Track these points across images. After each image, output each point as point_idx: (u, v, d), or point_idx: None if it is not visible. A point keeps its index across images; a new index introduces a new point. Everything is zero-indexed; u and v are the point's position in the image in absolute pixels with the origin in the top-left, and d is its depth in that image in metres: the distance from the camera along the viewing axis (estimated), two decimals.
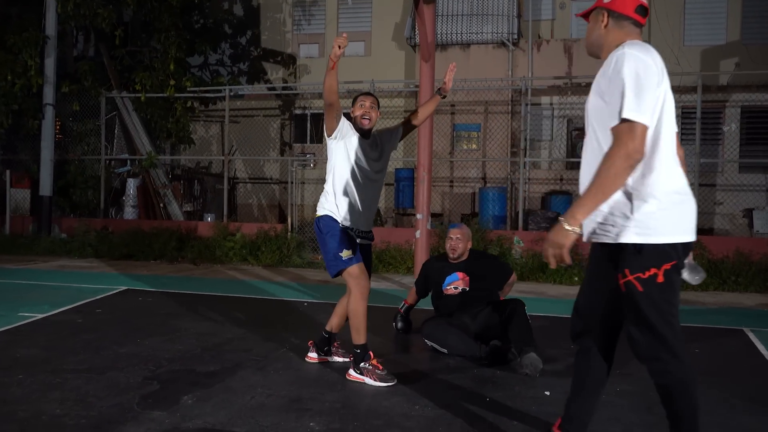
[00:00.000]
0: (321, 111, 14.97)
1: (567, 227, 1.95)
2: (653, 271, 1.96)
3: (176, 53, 10.48)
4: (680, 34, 13.45)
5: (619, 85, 1.95)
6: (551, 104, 13.71)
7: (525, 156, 9.55)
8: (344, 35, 3.03)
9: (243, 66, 15.59)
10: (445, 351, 3.90)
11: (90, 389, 3.08)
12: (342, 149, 3.36)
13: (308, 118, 15.12)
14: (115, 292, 6.08)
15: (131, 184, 10.79)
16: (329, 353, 3.67)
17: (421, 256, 6.67)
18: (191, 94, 10.98)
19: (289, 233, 9.51)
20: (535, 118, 13.36)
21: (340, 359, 3.66)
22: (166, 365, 3.53)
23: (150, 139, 10.97)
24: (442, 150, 12.61)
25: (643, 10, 2.17)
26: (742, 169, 12.02)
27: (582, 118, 12.96)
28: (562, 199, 11.76)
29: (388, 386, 3.24)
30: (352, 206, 3.34)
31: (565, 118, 13.75)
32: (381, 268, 8.35)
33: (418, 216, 6.65)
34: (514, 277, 4.40)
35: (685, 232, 2.02)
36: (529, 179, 11.84)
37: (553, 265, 2.02)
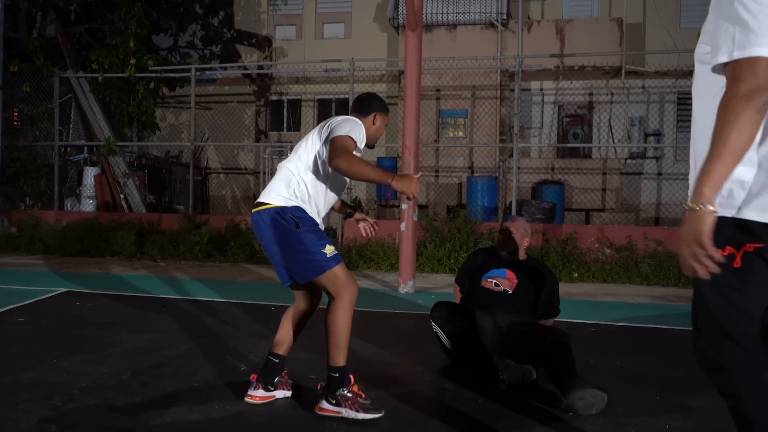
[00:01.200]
0: (298, 97, 14.16)
1: (698, 207, 1.45)
2: (730, 250, 1.49)
3: (137, 29, 9.53)
4: (677, 16, 12.81)
5: (731, 14, 1.48)
6: (541, 89, 13.01)
7: (518, 140, 8.77)
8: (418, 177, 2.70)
9: (215, 49, 14.66)
10: (448, 346, 3.20)
11: None
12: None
13: (285, 104, 14.26)
14: (50, 295, 5.22)
15: (89, 173, 9.86)
16: (276, 386, 2.78)
17: (406, 252, 5.90)
18: (154, 74, 10.03)
19: None
20: (525, 104, 12.64)
21: (284, 393, 2.79)
22: (78, 398, 2.71)
23: (109, 123, 10.03)
24: (427, 137, 11.84)
25: None
26: None
27: (573, 104, 12.23)
28: (554, 189, 11.05)
29: (372, 418, 2.51)
30: (321, 203, 2.71)
31: (556, 104, 13.06)
32: (362, 264, 7.58)
33: (404, 206, 5.87)
34: (552, 320, 3.59)
35: (754, 208, 1.51)
36: (518, 168, 11.13)
37: (695, 271, 1.46)
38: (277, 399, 2.75)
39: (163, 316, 4.48)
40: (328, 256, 2.56)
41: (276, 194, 2.62)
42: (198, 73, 9.84)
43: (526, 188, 11.46)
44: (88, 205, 9.84)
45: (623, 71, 11.98)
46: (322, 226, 2.69)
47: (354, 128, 2.62)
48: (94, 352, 3.44)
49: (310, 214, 2.62)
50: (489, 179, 10.32)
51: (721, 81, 1.52)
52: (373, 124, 2.81)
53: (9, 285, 5.70)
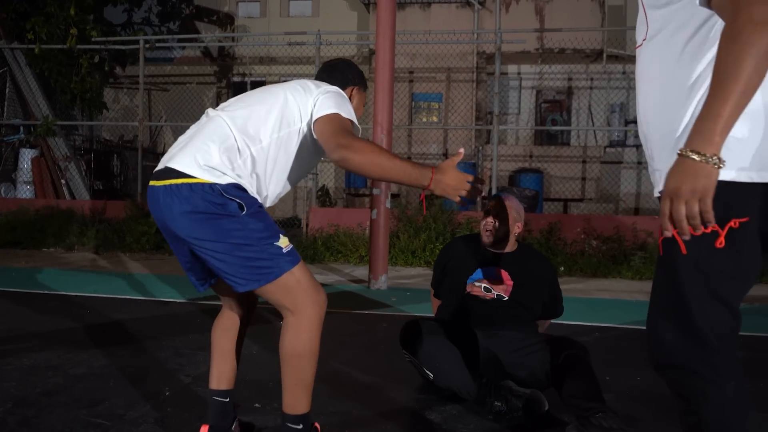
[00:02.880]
0: (263, 78, 13.28)
1: (707, 159, 1.13)
2: (712, 227, 1.19)
3: None
4: None
5: None
6: (519, 73, 12.41)
7: (498, 122, 8.13)
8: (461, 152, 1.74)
9: (173, 26, 13.71)
10: (430, 377, 2.43)
11: None
12: (306, 139, 1.89)
13: (248, 86, 13.38)
14: None
15: (25, 156, 8.90)
16: None
17: (378, 243, 5.20)
18: (99, 46, 9.09)
19: None
20: (502, 89, 12.03)
21: None
22: None
23: (48, 101, 9.07)
24: (399, 121, 11.15)
25: None
26: None
27: (552, 89, 11.66)
28: (532, 177, 10.51)
29: None
30: (270, 192, 1.86)
31: (534, 89, 12.48)
32: (328, 257, 6.86)
33: (375, 191, 5.17)
34: (549, 322, 2.88)
35: (756, 168, 1.25)
36: (494, 156, 10.53)
37: (685, 233, 1.17)
38: None
39: (85, 319, 3.70)
40: (283, 251, 1.72)
41: (205, 164, 1.70)
42: (148, 47, 8.92)
43: (503, 176, 10.85)
44: (25, 191, 8.89)
45: (604, 55, 11.45)
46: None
47: (347, 106, 1.85)
48: None
49: (253, 194, 1.78)
50: (466, 166, 9.68)
51: (699, 18, 1.28)
52: (350, 101, 1.97)
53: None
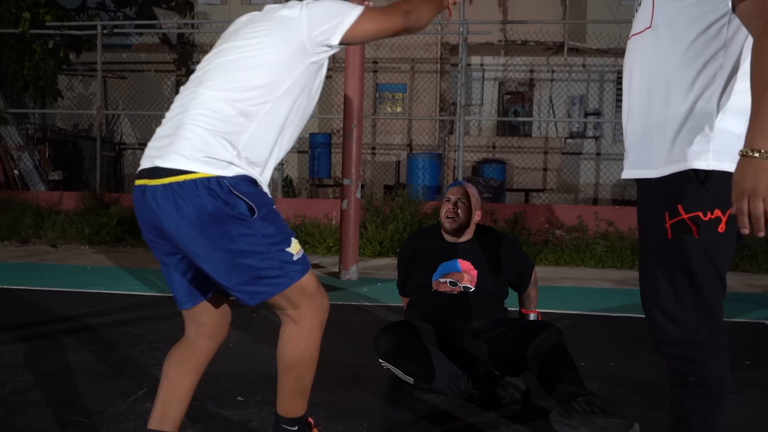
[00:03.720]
0: None
1: (763, 156, 1.20)
2: (717, 213, 1.34)
3: None
4: None
5: None
6: (482, 65, 12.50)
7: (464, 113, 8.18)
8: None
9: (129, 11, 13.30)
10: (411, 381, 2.41)
11: None
12: (313, 76, 1.66)
13: None
14: None
15: None
16: None
17: (348, 233, 5.17)
18: (53, 31, 8.75)
19: None
20: (466, 80, 12.14)
21: None
22: None
23: (0, 88, 8.70)
24: (364, 112, 11.09)
25: None
26: None
27: (514, 81, 11.77)
28: (495, 168, 10.62)
29: None
30: (274, 161, 1.63)
31: (497, 80, 12.60)
32: None
33: (346, 182, 5.14)
34: (535, 274, 2.87)
35: None
36: (459, 146, 10.61)
37: (763, 230, 1.21)
38: None
39: (50, 315, 3.58)
40: (294, 258, 1.56)
41: (204, 154, 1.48)
42: (105, 32, 8.63)
43: (467, 167, 10.94)
44: None
45: (566, 47, 11.64)
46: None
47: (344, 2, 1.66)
48: None
49: (263, 187, 1.58)
50: (431, 156, 9.72)
51: (708, 19, 1.36)
52: None
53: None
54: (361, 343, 3.11)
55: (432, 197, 8.58)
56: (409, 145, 11.68)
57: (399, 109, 11.88)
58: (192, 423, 2.06)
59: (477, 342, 2.52)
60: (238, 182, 1.49)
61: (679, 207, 1.38)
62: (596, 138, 12.18)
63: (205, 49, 13.04)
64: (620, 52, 11.48)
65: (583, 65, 12.26)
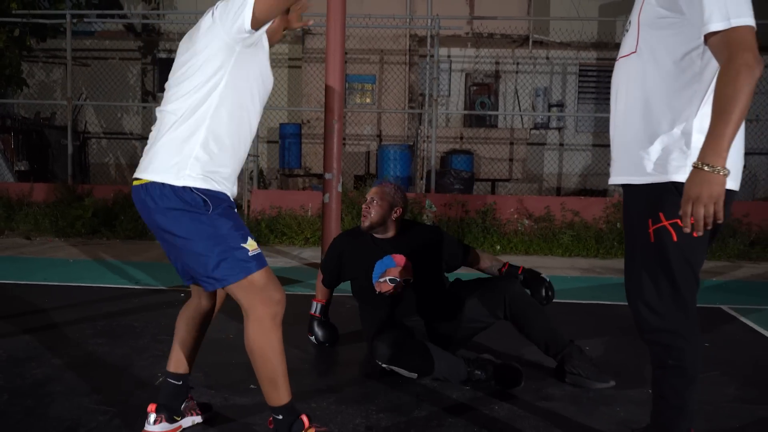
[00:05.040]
0: None
1: (713, 170, 1.48)
2: (693, 220, 1.54)
3: None
4: None
5: None
6: (449, 57, 12.70)
7: (436, 105, 8.39)
8: None
9: None
10: (415, 376, 2.58)
11: None
12: (252, 59, 1.86)
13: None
14: None
15: None
16: (182, 413, 2.09)
17: (330, 226, 5.33)
18: (19, 19, 8.58)
19: None
20: (433, 71, 12.34)
21: (192, 420, 2.13)
22: None
23: None
24: None
25: None
26: None
27: (480, 73, 12.02)
28: (463, 158, 10.87)
29: None
30: (233, 160, 1.89)
31: (464, 72, 12.84)
32: (273, 239, 6.92)
33: (327, 176, 5.28)
34: (475, 253, 3.03)
35: (734, 180, 1.62)
36: (427, 137, 10.83)
37: (701, 231, 1.50)
38: (184, 429, 2.09)
39: (45, 310, 3.66)
40: (251, 254, 1.80)
41: (168, 162, 1.79)
42: (75, 22, 8.51)
43: (436, 158, 11.19)
44: None
45: (530, 41, 11.94)
46: (233, 193, 1.92)
47: None
48: None
49: (222, 188, 1.84)
50: (402, 148, 9.91)
51: (686, 47, 1.59)
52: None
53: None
54: (354, 332, 3.30)
55: (405, 188, 8.78)
56: (379, 136, 11.83)
57: (368, 100, 12.00)
58: (215, 414, 2.22)
59: (443, 327, 2.76)
60: (195, 182, 1.78)
61: (661, 215, 1.62)
62: (559, 129, 12.56)
63: (171, 37, 12.88)
64: (581, 46, 11.86)
65: (547, 57, 12.58)
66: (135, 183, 1.85)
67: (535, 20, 11.71)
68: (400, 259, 2.82)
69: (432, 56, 8.79)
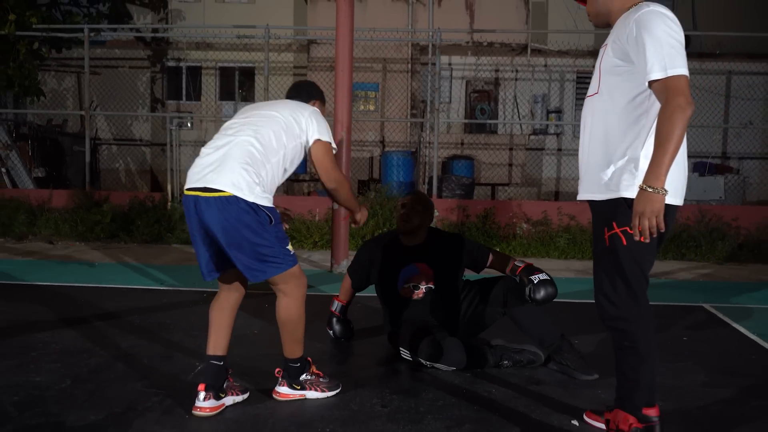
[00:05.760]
0: (198, 64, 13.25)
1: (655, 191, 1.86)
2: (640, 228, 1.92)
3: None
4: None
5: (654, 42, 1.92)
6: (450, 64, 13.07)
7: (437, 115, 8.75)
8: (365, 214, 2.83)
9: (102, 7, 13.38)
10: (453, 368, 2.91)
11: None
12: (293, 150, 2.55)
13: (183, 71, 13.34)
14: None
15: None
16: (225, 392, 2.49)
17: (339, 231, 5.69)
18: (38, 33, 8.96)
19: (169, 203, 8.09)
20: (435, 79, 12.70)
21: (233, 399, 2.51)
22: (15, 416, 2.31)
23: None
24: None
25: None
26: None
27: (481, 80, 12.38)
28: (464, 163, 11.23)
29: (336, 395, 2.60)
30: (282, 178, 2.56)
31: (464, 79, 13.21)
32: None
33: None
34: (497, 256, 3.32)
35: (675, 196, 2.02)
36: (429, 143, 11.17)
37: (647, 238, 1.89)
38: (227, 407, 2.45)
39: (84, 308, 4.01)
40: (291, 254, 2.43)
41: (246, 183, 2.29)
42: (92, 35, 8.89)
43: (437, 163, 11.54)
44: None
45: (529, 49, 12.31)
46: None
47: (329, 128, 2.61)
48: (14, 356, 2.98)
49: (273, 205, 2.41)
50: (405, 154, 10.27)
51: (636, 90, 1.99)
52: None
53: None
54: (366, 329, 3.65)
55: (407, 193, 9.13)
56: (382, 142, 12.19)
57: (372, 107, 12.37)
58: (250, 396, 2.58)
59: (463, 323, 3.15)
60: (261, 200, 2.32)
61: (614, 224, 2.01)
62: (557, 135, 12.92)
63: (179, 46, 13.26)
64: (579, 54, 12.22)
65: (545, 65, 12.95)
66: (217, 195, 2.30)
67: (534, 29, 12.08)
68: (423, 267, 3.15)
69: (434, 64, 9.16)
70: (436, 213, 7.89)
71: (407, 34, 11.16)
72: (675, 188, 2.01)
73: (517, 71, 12.97)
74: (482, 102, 12.96)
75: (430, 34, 9.24)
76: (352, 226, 2.89)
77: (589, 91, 2.17)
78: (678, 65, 1.90)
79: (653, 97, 1.96)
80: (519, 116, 12.75)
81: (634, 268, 2.02)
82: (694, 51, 12.15)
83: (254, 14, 13.28)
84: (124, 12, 13.45)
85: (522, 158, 12.13)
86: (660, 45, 1.91)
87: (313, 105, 2.73)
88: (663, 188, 1.86)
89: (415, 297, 3.14)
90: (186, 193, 2.37)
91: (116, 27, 10.17)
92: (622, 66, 2.02)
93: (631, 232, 1.90)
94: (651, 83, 1.93)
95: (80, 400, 2.47)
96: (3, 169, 8.70)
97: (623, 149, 2.02)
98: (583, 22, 12.51)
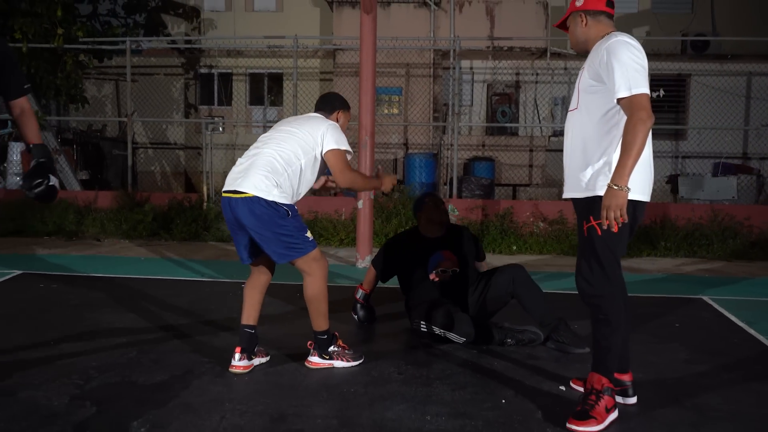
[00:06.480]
0: (229, 70, 13.86)
1: (622, 188, 2.27)
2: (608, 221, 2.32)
3: None
4: None
5: (621, 66, 2.33)
6: (471, 68, 13.44)
7: (457, 119, 9.16)
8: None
9: (139, 18, 14.07)
10: (463, 341, 3.35)
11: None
12: (312, 163, 3.04)
13: (215, 77, 13.97)
14: (7, 278, 5.09)
15: (14, 149, 9.38)
16: (255, 354, 3.08)
17: (364, 229, 6.14)
18: (83, 46, 9.61)
19: (204, 203, 8.64)
20: (454, 87, 13.08)
21: (260, 360, 3.10)
22: (96, 377, 2.81)
23: (36, 97, 9.54)
24: None
25: (611, 3, 2.59)
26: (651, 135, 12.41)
27: (501, 83, 12.72)
28: (485, 165, 11.61)
29: (359, 364, 3.07)
30: (299, 194, 3.03)
31: (485, 83, 13.57)
32: None
33: None
34: (485, 265, 3.94)
35: (642, 194, 2.42)
36: (451, 145, 11.58)
37: (615, 227, 2.31)
38: (255, 366, 3.02)
39: (137, 296, 4.52)
40: (309, 240, 2.91)
41: (265, 186, 2.82)
42: (135, 47, 9.50)
43: (459, 164, 11.92)
44: (16, 183, 9.38)
45: (548, 53, 12.63)
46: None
47: (343, 137, 3.06)
48: (87, 333, 3.50)
49: (293, 203, 2.93)
50: (427, 156, 10.69)
51: (607, 106, 2.40)
52: (337, 121, 3.19)
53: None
54: (386, 314, 4.09)
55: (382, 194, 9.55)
56: (405, 144, 12.63)
57: (395, 111, 12.81)
58: (287, 364, 3.04)
59: (479, 307, 3.59)
60: (280, 199, 2.84)
61: (591, 218, 2.42)
62: None
63: (212, 54, 13.89)
64: None
65: (565, 68, 13.24)
66: (244, 196, 2.83)
67: (553, 33, 12.39)
68: (448, 254, 3.67)
69: (454, 68, 9.57)
70: (457, 212, 8.30)
71: (428, 42, 11.57)
72: (642, 187, 2.42)
73: (537, 74, 13.29)
74: (503, 104, 13.31)
75: (451, 41, 9.62)
76: (385, 194, 3.30)
77: (570, 107, 2.59)
78: (641, 85, 2.31)
79: (621, 112, 2.37)
80: (539, 118, 13.06)
81: (607, 254, 2.43)
82: (712, 53, 12.35)
83: (282, 22, 13.86)
84: (159, 22, 14.09)
85: (542, 159, 12.46)
86: (626, 68, 2.32)
87: (337, 114, 3.21)
88: (626, 186, 2.27)
89: (443, 279, 3.61)
90: (223, 195, 2.95)
91: (155, 39, 10.76)
92: (596, 86, 2.43)
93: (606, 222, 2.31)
94: (619, 100, 2.35)
95: (146, 366, 2.96)
96: None
97: (599, 155, 2.44)
98: None
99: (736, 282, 5.78)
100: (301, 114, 3.46)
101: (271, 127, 3.18)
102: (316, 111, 3.24)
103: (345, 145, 3.05)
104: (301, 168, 2.94)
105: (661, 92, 11.70)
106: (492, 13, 12.65)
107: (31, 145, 2.53)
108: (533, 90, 13.30)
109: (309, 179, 3.02)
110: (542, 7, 12.48)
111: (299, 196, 3.00)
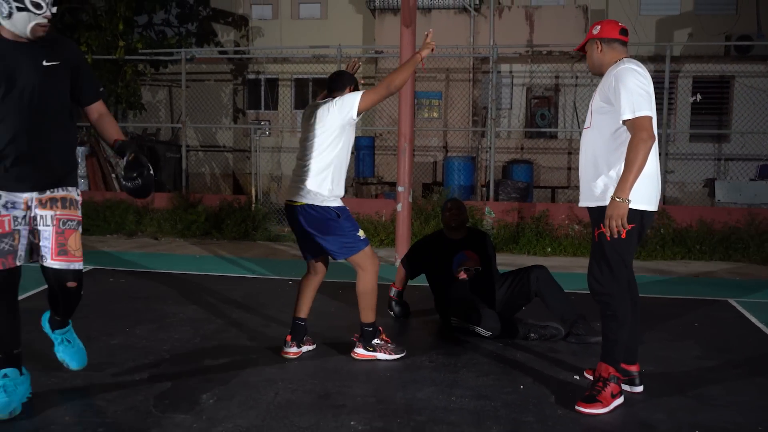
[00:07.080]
0: (275, 76, 14.44)
1: (623, 200, 2.60)
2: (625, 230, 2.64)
3: (125, 11, 9.74)
4: (637, 4, 13.60)
5: (627, 91, 2.64)
6: (511, 72, 13.65)
7: (494, 124, 9.44)
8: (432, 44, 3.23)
9: (191, 27, 14.77)
10: (489, 335, 3.68)
11: (94, 390, 2.81)
12: (352, 129, 3.30)
13: (262, 83, 14.56)
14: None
15: (79, 154, 10.10)
16: (304, 343, 3.44)
17: (402, 231, 6.51)
18: (143, 57, 10.27)
19: (253, 205, 9.16)
20: (495, 86, 13.30)
21: (308, 348, 3.47)
22: (168, 359, 3.27)
23: None
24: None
25: (625, 32, 2.90)
26: (693, 138, 12.41)
27: (541, 87, 12.89)
28: (523, 167, 11.81)
29: (400, 357, 3.34)
30: (343, 185, 3.31)
31: (525, 86, 13.75)
32: None
33: (400, 189, 6.47)
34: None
35: (648, 204, 2.72)
36: (488, 149, 11.84)
37: (615, 234, 2.64)
38: (303, 353, 3.40)
39: (194, 290, 5.00)
40: (362, 238, 3.25)
41: (313, 195, 3.20)
42: (189, 58, 10.12)
43: (497, 167, 12.14)
44: (81, 185, 10.09)
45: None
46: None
47: (352, 96, 3.20)
48: (155, 322, 3.98)
49: (342, 203, 3.26)
50: (465, 159, 10.98)
51: (616, 125, 2.71)
52: None
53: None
54: (419, 310, 4.45)
55: (467, 196, 9.87)
56: (445, 147, 12.94)
57: (435, 114, 13.14)
58: (333, 352, 3.44)
59: (504, 303, 3.90)
60: (331, 202, 3.20)
61: (601, 225, 2.71)
62: None
63: (259, 60, 14.50)
64: (639, 59, 12.52)
65: None
66: (297, 204, 3.23)
67: None
68: (470, 254, 4.01)
69: (492, 72, 9.87)
70: (493, 214, 8.59)
71: (467, 50, 11.86)
72: (648, 197, 2.72)
73: (576, 77, 13.40)
74: (542, 108, 13.48)
75: (490, 48, 9.90)
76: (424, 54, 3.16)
77: (585, 125, 2.91)
78: (644, 108, 2.62)
79: (628, 132, 2.67)
80: (578, 122, 13.18)
81: (615, 257, 2.73)
82: (757, 54, 12.24)
83: (326, 29, 14.37)
84: (210, 30, 14.77)
85: None
86: (631, 93, 2.63)
87: (348, 90, 3.31)
88: (627, 198, 2.59)
89: (468, 277, 3.95)
90: (285, 202, 3.36)
91: (207, 49, 11.37)
92: (606, 107, 2.75)
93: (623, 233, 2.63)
94: (624, 121, 2.66)
95: (210, 351, 3.41)
96: (113, 175, 10.03)
97: (608, 169, 2.75)
98: (644, 30, 12.83)
99: (766, 286, 5.91)
100: None
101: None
102: (329, 91, 3.39)
103: (358, 96, 3.16)
104: (336, 157, 3.19)
105: (698, 97, 11.66)
106: (531, 18, 12.84)
107: (118, 143, 2.63)
108: (572, 93, 13.42)
109: (346, 158, 3.27)
110: (582, 11, 12.61)
111: (341, 184, 3.26)
